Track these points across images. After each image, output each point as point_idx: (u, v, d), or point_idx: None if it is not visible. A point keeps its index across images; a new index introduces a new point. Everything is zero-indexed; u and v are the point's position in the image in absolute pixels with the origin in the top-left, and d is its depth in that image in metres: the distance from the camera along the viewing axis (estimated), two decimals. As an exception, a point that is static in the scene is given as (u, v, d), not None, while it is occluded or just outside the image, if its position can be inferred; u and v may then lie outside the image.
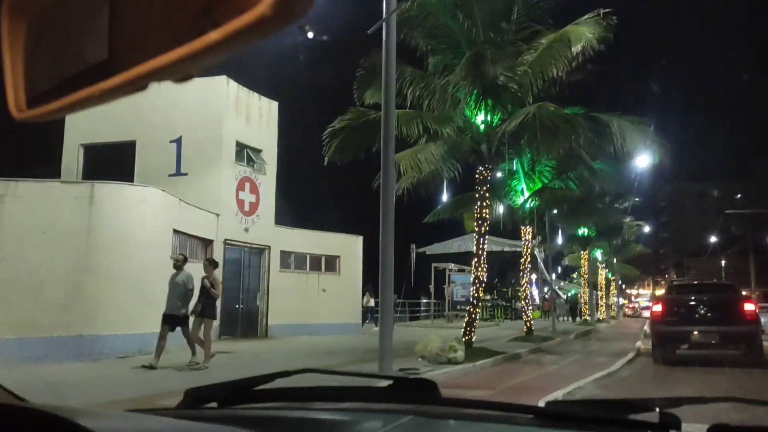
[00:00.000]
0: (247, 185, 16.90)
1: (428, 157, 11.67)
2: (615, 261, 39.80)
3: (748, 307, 12.00)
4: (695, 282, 19.26)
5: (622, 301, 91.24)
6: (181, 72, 0.55)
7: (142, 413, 1.09)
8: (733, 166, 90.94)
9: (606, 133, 12.26)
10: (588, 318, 31.00)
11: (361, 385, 1.69)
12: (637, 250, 36.77)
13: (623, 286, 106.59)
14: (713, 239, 68.19)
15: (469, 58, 10.70)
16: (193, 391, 1.39)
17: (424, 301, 35.99)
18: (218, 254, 15.66)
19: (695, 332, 11.66)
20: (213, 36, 0.48)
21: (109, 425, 0.78)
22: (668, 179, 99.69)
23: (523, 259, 19.65)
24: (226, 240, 15.94)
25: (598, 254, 36.75)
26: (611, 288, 52.90)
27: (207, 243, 15.30)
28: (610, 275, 58.80)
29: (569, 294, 56.65)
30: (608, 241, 35.78)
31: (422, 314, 34.90)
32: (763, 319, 28.93)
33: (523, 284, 19.65)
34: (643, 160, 32.60)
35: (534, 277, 42.72)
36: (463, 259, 61.07)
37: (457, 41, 12.03)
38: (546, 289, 42.56)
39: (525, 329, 18.85)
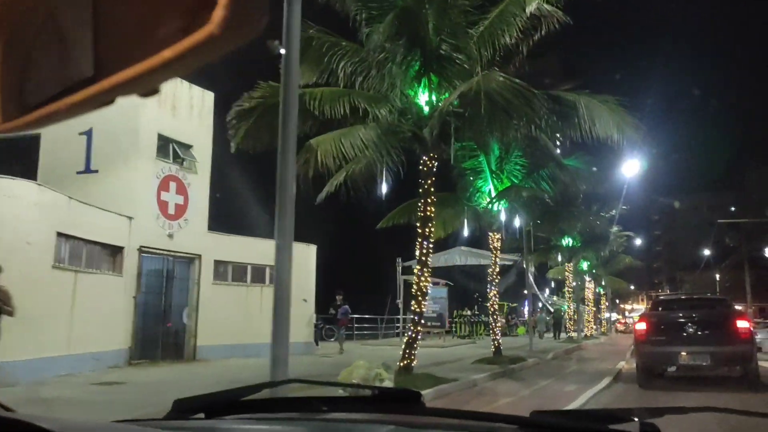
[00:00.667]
0: (173, 185, 14.74)
1: (356, 143, 9.55)
2: (603, 273, 37.62)
3: (743, 324, 10.69)
4: (683, 296, 17.39)
5: (615, 316, 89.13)
6: (143, 87, 0.56)
7: (128, 424, 1.11)
8: (726, 178, 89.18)
9: (571, 115, 10.22)
10: (573, 335, 28.80)
11: (346, 395, 1.65)
12: (626, 262, 34.61)
13: (617, 301, 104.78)
14: (707, 252, 66.33)
15: (398, 15, 8.68)
16: (181, 401, 1.38)
17: (401, 317, 33.82)
18: (132, 263, 13.47)
19: (684, 353, 10.44)
20: (167, 54, 0.50)
21: None
22: (661, 192, 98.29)
23: (491, 269, 17.50)
24: (142, 247, 13.73)
25: (585, 266, 34.61)
26: (602, 302, 50.72)
27: (115, 250, 13.06)
28: (600, 290, 56.71)
29: (562, 309, 54.74)
30: (595, 252, 33.67)
31: (401, 331, 32.70)
32: (759, 336, 27.06)
33: (491, 297, 17.44)
34: (630, 168, 30.78)
35: (525, 291, 40.84)
36: (449, 273, 58.84)
37: (394, 5, 9.99)
38: (540, 305, 40.49)
39: (493, 349, 16.64)
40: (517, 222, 18.06)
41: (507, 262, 53.85)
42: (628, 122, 10.05)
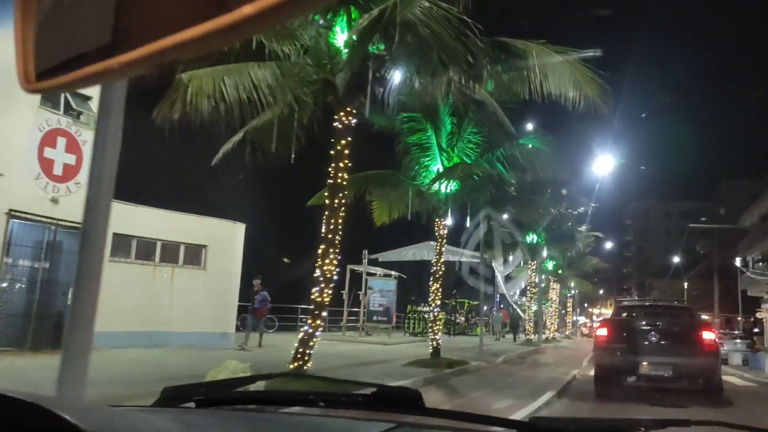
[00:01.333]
0: (62, 141, 12.44)
1: (244, 83, 7.42)
2: (569, 275, 35.94)
3: (708, 336, 10.15)
4: (647, 302, 16.83)
5: (583, 320, 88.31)
6: (197, 50, 0.55)
7: (122, 409, 1.06)
8: (700, 186, 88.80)
9: (520, 67, 8.22)
10: (532, 337, 27.03)
11: (345, 392, 1.57)
12: (593, 264, 32.99)
13: (585, 305, 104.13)
14: (677, 259, 65.48)
15: None
16: (171, 389, 1.35)
17: (355, 310, 31.85)
18: (-2, 230, 11.21)
19: (645, 363, 9.84)
20: (246, 10, 0.48)
21: (91, 418, 0.75)
22: (634, 197, 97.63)
23: (435, 260, 15.52)
24: (12, 211, 11.46)
25: (550, 266, 32.90)
26: (568, 305, 49.24)
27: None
28: (567, 292, 55.27)
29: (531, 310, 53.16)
30: (561, 251, 31.94)
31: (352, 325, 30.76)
32: (725, 348, 25.27)
33: (433, 292, 15.46)
34: (601, 165, 29.06)
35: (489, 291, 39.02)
36: (418, 267, 56.94)
37: None
38: (509, 305, 38.73)
39: (431, 350, 14.66)
40: (475, 213, 16.05)
41: (475, 260, 52.22)
42: (588, 79, 8.08)
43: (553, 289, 33.57)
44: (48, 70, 0.64)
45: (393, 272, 23.92)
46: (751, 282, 40.29)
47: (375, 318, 21.02)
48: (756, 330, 43.55)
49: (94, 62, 0.58)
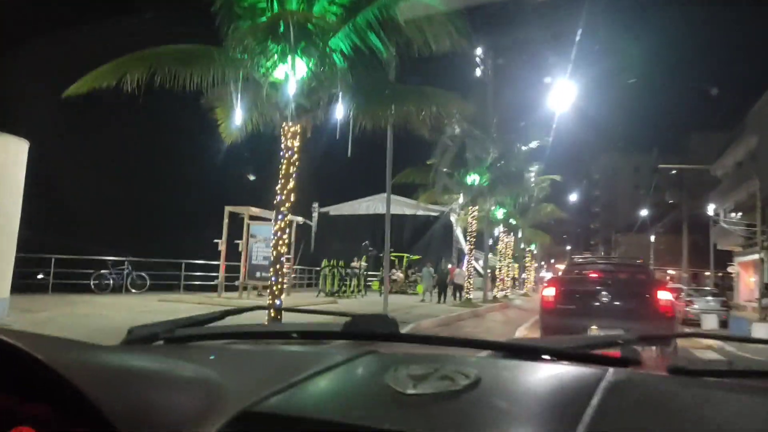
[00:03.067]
0: None
1: None
2: (522, 224, 31.22)
3: (663, 296, 8.98)
4: (599, 259, 14.82)
5: (549, 276, 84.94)
6: None
7: (84, 344, 1.00)
8: (669, 141, 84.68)
9: None
10: (470, 296, 22.35)
11: (319, 325, 1.47)
12: (548, 211, 28.21)
13: (552, 261, 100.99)
14: (644, 212, 61.79)
15: None
16: (138, 328, 1.31)
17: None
18: None
19: (594, 327, 8.54)
20: None
21: (56, 353, 0.75)
22: (602, 150, 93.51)
23: (281, 184, 10.33)
24: None
25: (500, 214, 28.14)
26: (527, 260, 44.88)
27: None
28: (526, 246, 50.80)
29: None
30: (511, 197, 27.15)
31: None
32: (696, 306, 20.53)
33: (277, 241, 10.33)
34: (560, 95, 24.06)
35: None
36: (373, 221, 51.84)
37: None
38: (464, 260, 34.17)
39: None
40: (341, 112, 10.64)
41: (433, 213, 47.23)
42: None
43: (503, 240, 28.88)
44: None
45: (299, 218, 18.73)
46: (722, 234, 36.26)
47: (258, 274, 15.97)
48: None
49: None
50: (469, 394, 0.90)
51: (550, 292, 9.59)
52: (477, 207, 22.88)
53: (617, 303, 8.96)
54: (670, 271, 63.89)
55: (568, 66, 23.25)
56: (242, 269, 15.98)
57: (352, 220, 51.11)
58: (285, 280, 19.21)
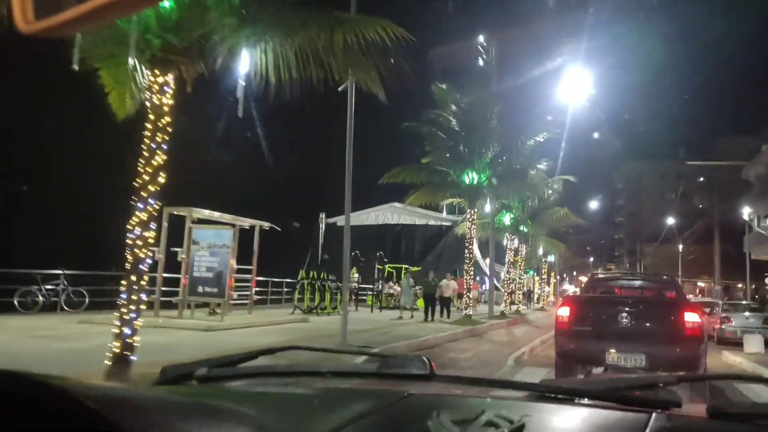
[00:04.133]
0: None
1: None
2: (534, 232, 28.01)
3: (691, 318, 7.98)
4: (622, 275, 14.57)
5: (573, 289, 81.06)
6: None
7: (119, 388, 1.01)
8: (695, 144, 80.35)
9: None
10: (469, 312, 19.29)
11: (351, 367, 1.50)
12: (560, 215, 24.95)
13: (574, 273, 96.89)
14: (671, 221, 57.96)
15: None
16: (172, 367, 1.30)
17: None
18: None
19: (613, 351, 7.84)
20: None
21: (101, 397, 0.75)
22: (626, 157, 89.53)
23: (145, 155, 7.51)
24: None
25: (507, 220, 25.04)
26: (544, 271, 41.52)
27: None
28: (550, 258, 47.39)
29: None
30: (518, 199, 24.04)
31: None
32: (733, 323, 18.47)
33: (135, 241, 7.51)
34: (574, 85, 21.07)
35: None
36: (382, 232, 48.99)
37: None
38: (483, 273, 31.21)
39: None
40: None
41: (445, 223, 44.05)
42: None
43: (511, 250, 25.75)
44: (47, 7, 0.59)
45: (248, 220, 15.88)
46: (756, 242, 32.63)
47: (200, 289, 13.18)
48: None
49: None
50: None
51: (564, 312, 8.56)
52: (476, 210, 19.89)
53: (638, 325, 8.09)
54: (700, 284, 59.95)
55: (584, 59, 20.35)
56: (182, 283, 13.23)
57: (360, 231, 48.48)
58: (234, 296, 16.68)
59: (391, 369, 1.27)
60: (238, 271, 16.89)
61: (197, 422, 0.85)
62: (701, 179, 65.16)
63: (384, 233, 47.71)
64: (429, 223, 46.32)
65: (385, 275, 27.16)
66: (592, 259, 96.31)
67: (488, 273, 46.30)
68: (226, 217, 15.03)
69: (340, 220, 51.56)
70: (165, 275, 13.87)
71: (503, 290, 23.58)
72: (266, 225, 16.58)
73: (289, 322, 15.31)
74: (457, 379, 1.33)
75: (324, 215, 44.39)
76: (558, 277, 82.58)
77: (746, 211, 30.86)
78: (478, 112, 19.23)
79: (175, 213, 13.59)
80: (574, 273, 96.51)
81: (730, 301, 24.21)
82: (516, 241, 26.24)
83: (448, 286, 18.69)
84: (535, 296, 42.46)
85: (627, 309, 8.20)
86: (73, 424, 0.66)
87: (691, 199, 67.12)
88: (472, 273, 20.04)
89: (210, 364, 1.30)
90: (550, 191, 23.71)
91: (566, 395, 1.17)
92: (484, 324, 19.09)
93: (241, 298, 16.84)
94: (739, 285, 53.70)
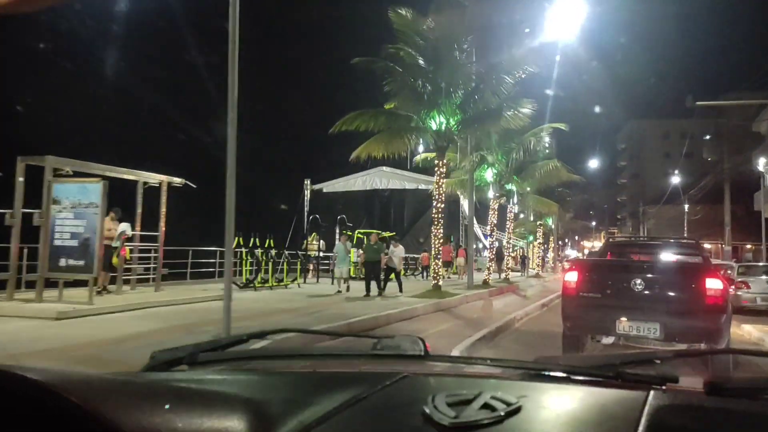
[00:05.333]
0: None
1: None
2: (521, 188, 24.59)
3: (713, 285, 7.00)
4: (642, 239, 12.56)
5: (575, 254, 77.89)
6: None
7: (106, 377, 0.96)
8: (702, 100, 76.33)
9: None
10: (438, 279, 16.12)
11: (346, 348, 1.50)
12: (549, 168, 21.44)
13: (576, 238, 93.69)
14: (676, 180, 54.53)
15: None
16: (161, 353, 1.28)
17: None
18: None
19: (624, 319, 7.14)
20: None
21: (82, 389, 0.73)
22: (629, 116, 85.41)
23: None
24: None
25: (489, 175, 21.66)
26: (539, 235, 38.25)
27: None
28: (547, 222, 44.02)
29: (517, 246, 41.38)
30: (501, 150, 20.62)
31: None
32: (753, 288, 15.99)
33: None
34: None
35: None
36: (366, 198, 45.46)
37: None
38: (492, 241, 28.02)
39: None
40: None
41: (422, 186, 40.31)
42: None
43: (494, 210, 22.43)
44: None
45: (165, 177, 12.56)
46: (770, 199, 29.32)
47: (63, 262, 10.00)
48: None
49: None
50: (512, 422, 0.87)
51: (571, 277, 7.93)
52: (443, 162, 16.57)
53: (653, 291, 7.27)
54: (707, 245, 56.82)
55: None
56: (42, 254, 10.02)
57: (347, 197, 45.26)
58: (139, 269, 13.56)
59: (385, 350, 1.26)
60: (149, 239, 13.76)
61: (186, 408, 0.83)
62: (707, 137, 61.42)
63: (372, 199, 44.47)
64: (419, 188, 42.84)
65: (354, 242, 24.00)
66: (594, 224, 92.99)
67: (483, 239, 43.15)
68: (117, 171, 11.80)
69: (326, 186, 48.08)
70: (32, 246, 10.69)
71: (470, 257, 20.30)
72: (178, 181, 13.32)
73: (201, 301, 12.17)
74: (451, 359, 1.39)
75: (309, 181, 41.29)
76: (560, 242, 79.40)
77: (761, 162, 27.35)
78: (446, 44, 15.77)
79: (33, 164, 10.31)
80: (576, 238, 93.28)
81: (744, 263, 20.91)
82: (503, 201, 22.88)
83: (394, 253, 15.38)
84: (534, 262, 39.28)
85: (641, 274, 7.36)
86: (56, 417, 0.64)
87: (696, 159, 63.49)
88: (456, 239, 16.79)
89: (200, 349, 1.27)
90: (536, 140, 20.23)
91: (562, 373, 1.16)
92: (456, 296, 15.91)
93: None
94: (748, 246, 50.50)
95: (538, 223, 36.64)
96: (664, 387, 1.06)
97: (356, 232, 24.93)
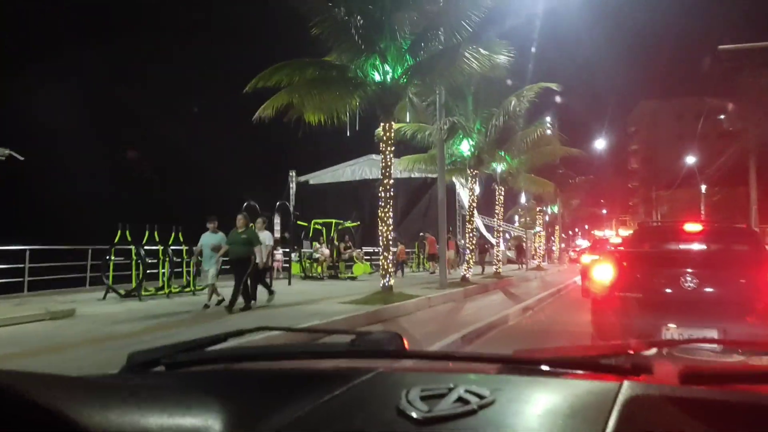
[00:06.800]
0: None
1: None
2: (513, 170, 20.46)
3: None
4: (681, 224, 7.88)
5: (586, 244, 73.37)
6: None
7: (79, 379, 0.95)
8: (718, 81, 71.30)
9: None
10: (389, 283, 12.16)
11: (322, 345, 1.50)
12: (536, 136, 17.18)
13: (586, 227, 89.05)
14: (691, 160, 50.28)
15: None
16: (137, 354, 1.25)
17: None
18: None
19: (671, 326, 5.69)
20: None
21: (55, 392, 0.71)
22: (640, 96, 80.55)
23: None
24: None
25: (464, 148, 17.57)
26: (538, 221, 33.99)
27: None
28: (552, 210, 39.74)
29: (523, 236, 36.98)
30: (479, 116, 16.57)
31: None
32: None
33: None
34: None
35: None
36: (355, 189, 41.42)
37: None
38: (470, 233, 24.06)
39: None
40: None
41: (430, 175, 36.39)
42: None
43: (471, 191, 18.36)
44: None
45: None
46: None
47: None
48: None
49: None
50: (485, 415, 0.88)
51: (604, 273, 6.24)
52: (389, 125, 12.56)
53: (709, 290, 5.87)
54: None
55: None
56: None
57: (334, 189, 41.46)
58: None
59: (363, 346, 1.25)
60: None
61: (160, 408, 0.82)
62: (721, 117, 56.87)
63: (361, 190, 40.84)
64: (412, 176, 38.84)
65: (310, 234, 20.08)
66: (605, 212, 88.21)
67: (485, 231, 39.00)
68: None
69: (312, 177, 44.00)
70: None
71: (442, 250, 16.30)
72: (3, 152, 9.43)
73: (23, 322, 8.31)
74: (428, 355, 1.33)
75: (294, 173, 37.69)
76: (569, 232, 74.88)
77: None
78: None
79: None
80: (586, 227, 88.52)
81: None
82: (474, 180, 18.76)
83: (261, 246, 10.94)
84: (538, 253, 35.10)
85: (693, 268, 5.98)
86: (28, 422, 0.62)
87: (711, 141, 58.93)
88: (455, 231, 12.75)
89: (177, 349, 1.26)
90: (517, 101, 16.05)
91: (537, 366, 1.16)
92: (412, 300, 11.96)
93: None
94: (773, 229, 46.10)
95: (538, 209, 32.39)
96: (638, 378, 1.04)
97: (312, 222, 20.98)
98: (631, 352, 1.19)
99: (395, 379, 1.11)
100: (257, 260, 10.11)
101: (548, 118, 22.76)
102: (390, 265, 12.77)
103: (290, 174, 37.02)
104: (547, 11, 17.72)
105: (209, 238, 10.56)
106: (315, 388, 1.00)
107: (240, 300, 9.91)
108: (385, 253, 12.57)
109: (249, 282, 10.02)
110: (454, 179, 27.06)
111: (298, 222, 20.64)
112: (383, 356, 1.24)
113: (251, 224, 10.60)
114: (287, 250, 19.12)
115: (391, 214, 12.73)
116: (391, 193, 12.85)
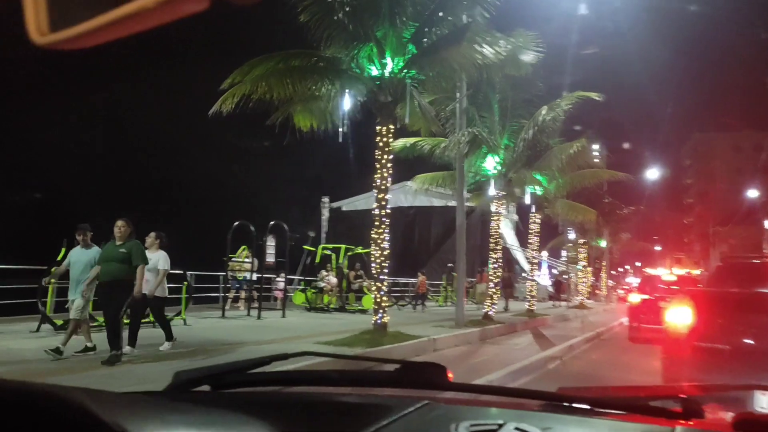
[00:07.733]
0: None
1: None
2: (550, 195, 17.83)
3: None
4: None
5: (636, 282, 68.83)
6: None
7: (132, 396, 0.96)
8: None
9: None
10: (382, 314, 9.76)
11: (367, 372, 1.39)
12: (573, 150, 14.67)
13: (637, 264, 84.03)
14: (753, 194, 46.25)
15: None
16: (184, 373, 1.23)
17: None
18: None
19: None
20: None
21: (110, 409, 0.71)
22: (695, 129, 76.19)
23: None
24: None
25: (489, 165, 15.12)
26: (580, 257, 30.83)
27: None
28: (599, 243, 36.46)
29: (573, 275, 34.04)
30: (508, 130, 14.23)
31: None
32: None
33: None
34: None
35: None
36: (394, 216, 39.38)
37: None
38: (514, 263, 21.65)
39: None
40: None
41: (468, 204, 34.18)
42: None
43: (495, 217, 15.83)
44: (62, 18, 0.53)
45: None
46: None
47: None
48: None
49: (107, 10, 0.50)
50: None
51: (681, 316, 5.42)
52: (388, 129, 10.33)
53: None
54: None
55: None
56: None
57: (366, 216, 39.53)
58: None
59: (407, 375, 1.22)
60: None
61: (207, 429, 0.82)
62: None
63: (395, 218, 38.73)
64: (448, 204, 36.55)
65: (317, 261, 17.85)
66: (659, 248, 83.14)
67: (524, 264, 36.03)
68: None
69: (345, 204, 42.04)
70: None
71: (459, 281, 13.87)
72: None
73: None
74: (473, 388, 1.28)
75: (327, 199, 36.00)
76: (619, 269, 70.44)
77: None
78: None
79: None
80: (638, 264, 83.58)
81: None
82: (502, 204, 16.28)
83: (155, 270, 8.14)
84: (582, 290, 31.93)
85: None
86: None
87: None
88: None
89: (223, 370, 1.24)
90: (548, 112, 13.60)
91: (587, 405, 1.11)
92: (413, 341, 9.56)
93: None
94: None
95: (581, 241, 29.35)
96: (690, 422, 1.02)
97: (320, 247, 18.78)
98: (683, 395, 1.13)
99: (442, 412, 1.09)
100: (144, 290, 7.22)
101: (591, 139, 20.21)
102: (385, 297, 10.38)
103: (323, 200, 35.31)
104: (605, 34, 15.41)
105: (79, 254, 7.40)
106: (363, 416, 0.98)
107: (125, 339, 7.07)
108: (378, 285, 10.20)
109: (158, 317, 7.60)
110: (491, 207, 24.69)
111: (305, 247, 18.50)
112: (428, 387, 1.21)
113: (147, 237, 8.01)
114: (291, 277, 16.98)
115: (386, 236, 10.41)
116: (387, 211, 10.57)
